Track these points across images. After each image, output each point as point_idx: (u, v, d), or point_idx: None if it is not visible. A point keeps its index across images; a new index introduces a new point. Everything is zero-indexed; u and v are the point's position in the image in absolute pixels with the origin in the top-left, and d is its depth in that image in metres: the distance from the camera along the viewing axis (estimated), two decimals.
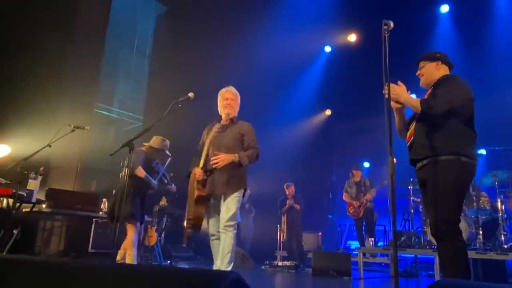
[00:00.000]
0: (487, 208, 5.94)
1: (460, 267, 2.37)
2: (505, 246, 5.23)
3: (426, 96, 2.76)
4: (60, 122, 4.38)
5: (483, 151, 7.16)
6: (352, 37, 9.70)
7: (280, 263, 6.82)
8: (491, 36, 8.09)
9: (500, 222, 5.55)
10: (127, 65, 9.52)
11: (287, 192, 7.88)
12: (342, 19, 9.09)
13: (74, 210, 5.84)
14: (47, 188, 5.80)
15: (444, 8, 8.72)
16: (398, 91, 2.66)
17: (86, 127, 4.38)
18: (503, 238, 5.39)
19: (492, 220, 5.90)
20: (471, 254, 4.61)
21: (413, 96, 2.85)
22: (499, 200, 5.65)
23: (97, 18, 7.80)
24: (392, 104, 2.72)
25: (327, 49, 10.41)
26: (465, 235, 5.00)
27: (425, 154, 2.63)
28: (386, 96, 2.45)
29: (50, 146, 4.19)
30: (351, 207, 7.27)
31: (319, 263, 5.70)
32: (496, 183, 5.81)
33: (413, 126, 2.78)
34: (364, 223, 7.28)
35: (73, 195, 6.05)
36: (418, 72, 2.91)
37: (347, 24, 9.48)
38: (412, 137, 2.76)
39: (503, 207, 5.64)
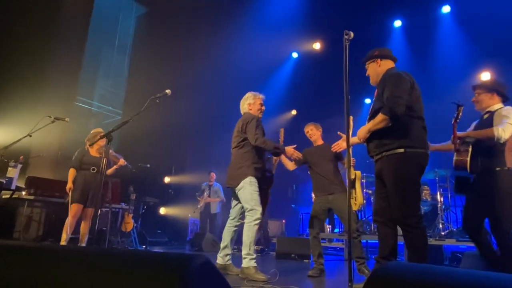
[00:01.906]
0: (429, 199, 6.19)
1: (420, 253, 2.32)
2: (443, 233, 5.50)
3: (375, 94, 2.68)
4: (41, 113, 4.17)
5: None
6: (317, 45, 9.85)
7: None
8: (436, 49, 8.44)
9: (438, 212, 5.82)
10: (108, 61, 9.21)
11: None
12: (309, 29, 9.21)
13: (53, 198, 5.60)
14: (27, 176, 5.53)
15: (397, 23, 9.07)
16: (362, 133, 2.61)
17: (66, 119, 4.21)
18: (441, 226, 5.66)
19: (432, 210, 6.16)
20: None
21: (368, 100, 2.87)
22: (438, 193, 5.91)
23: (80, 15, 7.47)
24: (356, 141, 2.74)
25: (294, 55, 10.51)
26: None
27: (377, 149, 2.56)
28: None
29: (30, 136, 4.01)
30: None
31: (283, 248, 5.76)
32: (437, 178, 6.07)
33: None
34: None
35: (52, 183, 5.79)
36: (366, 73, 2.80)
37: (313, 34, 9.60)
38: None
39: (442, 199, 5.90)
